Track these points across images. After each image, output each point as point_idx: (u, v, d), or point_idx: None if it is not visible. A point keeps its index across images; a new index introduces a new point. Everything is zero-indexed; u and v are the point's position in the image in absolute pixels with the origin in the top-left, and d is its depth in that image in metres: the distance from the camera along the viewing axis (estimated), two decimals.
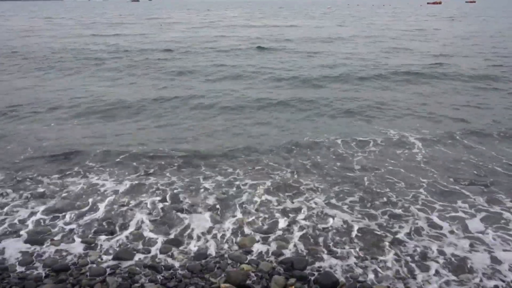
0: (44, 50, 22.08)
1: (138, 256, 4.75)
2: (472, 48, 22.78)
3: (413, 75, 15.44)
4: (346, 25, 30.77)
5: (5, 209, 5.93)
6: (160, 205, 6.15)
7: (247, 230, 5.43)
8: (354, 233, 5.47)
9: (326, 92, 12.96)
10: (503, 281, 4.46)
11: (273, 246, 5.03)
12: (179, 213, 5.93)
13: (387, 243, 5.22)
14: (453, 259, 4.87)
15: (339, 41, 26.37)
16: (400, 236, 5.42)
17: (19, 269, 4.49)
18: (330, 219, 5.83)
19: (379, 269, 4.64)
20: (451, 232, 5.46)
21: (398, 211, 6.06)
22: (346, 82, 14.44)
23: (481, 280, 4.48)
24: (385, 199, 6.42)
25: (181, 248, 4.98)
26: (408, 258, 4.89)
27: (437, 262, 4.81)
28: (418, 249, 5.08)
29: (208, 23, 38.27)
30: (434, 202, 6.27)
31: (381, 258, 4.86)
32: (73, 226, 5.51)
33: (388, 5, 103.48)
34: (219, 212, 5.97)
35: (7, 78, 15.00)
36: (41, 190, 6.59)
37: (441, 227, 5.58)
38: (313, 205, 6.22)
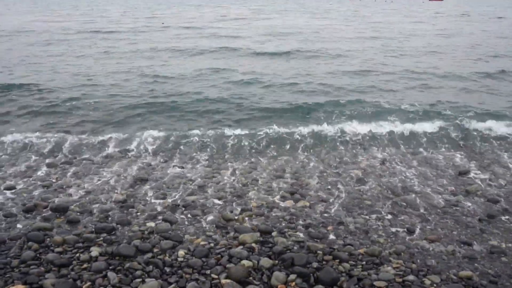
0: None
1: (139, 252, 4.77)
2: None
3: None
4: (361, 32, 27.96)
5: (5, 203, 5.97)
6: (162, 202, 6.18)
7: (248, 226, 5.44)
8: (355, 230, 5.48)
9: None
10: None
11: (274, 243, 5.04)
12: (180, 211, 5.95)
13: (388, 239, 5.24)
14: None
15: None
16: (402, 232, 5.44)
17: (21, 264, 4.51)
18: (331, 217, 5.85)
19: (379, 266, 4.65)
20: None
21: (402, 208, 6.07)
22: None
23: None
24: (389, 199, 6.43)
25: (182, 244, 5.00)
26: (407, 257, 4.91)
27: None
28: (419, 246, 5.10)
29: (203, 22, 36.26)
30: None
31: (382, 255, 4.87)
32: (74, 221, 5.54)
33: (390, 1, 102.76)
34: (220, 209, 5.98)
35: None
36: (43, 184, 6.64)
37: None
38: (315, 203, 6.24)
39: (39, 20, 31.35)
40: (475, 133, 9.20)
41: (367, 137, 9.02)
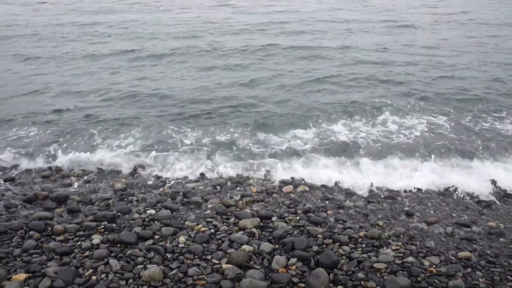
0: None
1: (140, 239, 4.79)
2: None
3: None
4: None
5: (5, 194, 5.98)
6: (161, 190, 6.20)
7: (248, 212, 5.46)
8: (355, 214, 5.51)
9: None
10: None
11: (274, 227, 5.07)
12: (180, 198, 5.97)
13: (388, 222, 5.28)
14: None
15: None
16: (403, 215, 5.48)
17: (23, 253, 4.54)
18: (331, 201, 5.87)
19: (379, 249, 4.68)
20: None
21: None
22: None
23: None
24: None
25: (183, 231, 5.02)
26: (407, 239, 4.95)
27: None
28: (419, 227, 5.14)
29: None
30: None
31: (381, 237, 4.90)
32: (75, 210, 5.56)
33: None
34: (220, 196, 6.00)
35: None
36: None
37: None
38: (314, 188, 6.26)
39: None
40: (483, 125, 9.02)
41: (369, 126, 9.01)
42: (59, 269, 4.16)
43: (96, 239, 4.77)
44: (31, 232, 4.92)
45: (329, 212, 5.57)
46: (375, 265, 4.34)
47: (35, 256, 4.44)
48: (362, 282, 4.06)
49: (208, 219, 5.33)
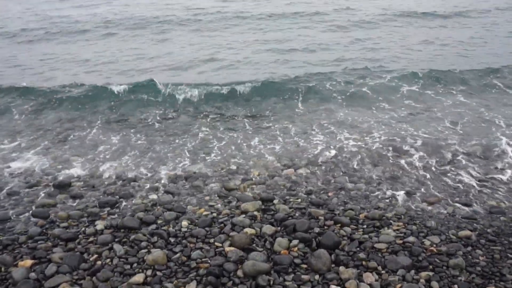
0: None
1: (143, 224, 4.84)
2: None
3: None
4: None
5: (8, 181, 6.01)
6: (163, 174, 6.22)
7: (250, 195, 5.49)
8: (356, 195, 5.54)
9: None
10: None
11: (276, 210, 5.10)
12: (181, 183, 5.99)
13: (389, 203, 5.31)
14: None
15: None
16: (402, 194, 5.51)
17: (29, 239, 4.60)
18: (332, 183, 5.89)
19: (380, 229, 4.72)
20: None
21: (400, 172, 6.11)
22: None
23: None
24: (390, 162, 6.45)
25: (185, 215, 5.07)
26: (408, 219, 4.98)
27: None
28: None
29: None
30: None
31: (382, 218, 4.94)
32: (78, 196, 5.60)
33: None
34: (221, 179, 6.02)
35: None
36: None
37: None
38: (315, 170, 6.27)
39: None
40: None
41: (365, 101, 8.97)
42: (64, 255, 4.22)
43: (100, 225, 4.82)
44: (36, 219, 4.97)
45: (330, 194, 5.59)
46: (376, 245, 4.38)
47: (40, 242, 4.50)
48: (364, 262, 4.11)
49: (210, 203, 5.36)
